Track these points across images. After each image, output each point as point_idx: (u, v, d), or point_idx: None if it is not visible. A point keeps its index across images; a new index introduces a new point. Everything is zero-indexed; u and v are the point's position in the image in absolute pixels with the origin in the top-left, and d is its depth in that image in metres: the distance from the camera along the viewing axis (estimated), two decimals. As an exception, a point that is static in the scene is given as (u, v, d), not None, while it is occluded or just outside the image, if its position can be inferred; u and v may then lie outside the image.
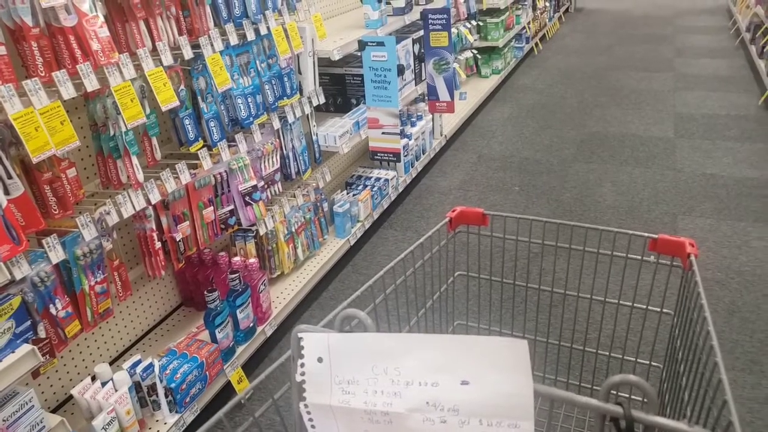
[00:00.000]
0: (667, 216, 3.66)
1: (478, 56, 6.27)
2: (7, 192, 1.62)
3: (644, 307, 1.64)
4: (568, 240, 1.64)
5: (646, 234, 1.52)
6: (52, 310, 1.81)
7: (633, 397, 1.77)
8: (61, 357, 2.22)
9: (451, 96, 4.04)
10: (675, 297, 1.56)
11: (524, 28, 7.19)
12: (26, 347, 1.60)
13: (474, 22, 5.95)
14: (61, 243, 1.77)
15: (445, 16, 3.81)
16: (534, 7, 7.71)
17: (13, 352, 1.58)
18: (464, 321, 1.83)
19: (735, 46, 7.42)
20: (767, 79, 5.46)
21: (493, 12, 6.31)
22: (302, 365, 0.91)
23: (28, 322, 1.65)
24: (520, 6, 6.97)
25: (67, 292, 1.87)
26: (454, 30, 5.35)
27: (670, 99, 5.76)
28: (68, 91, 1.73)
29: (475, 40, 5.95)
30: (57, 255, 1.75)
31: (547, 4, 8.46)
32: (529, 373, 0.83)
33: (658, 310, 1.64)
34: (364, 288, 1.27)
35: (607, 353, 1.78)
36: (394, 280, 1.40)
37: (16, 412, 1.61)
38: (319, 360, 0.90)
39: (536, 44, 7.96)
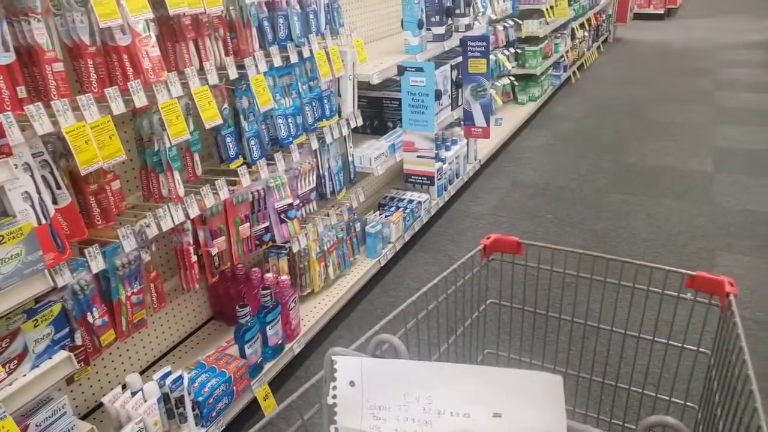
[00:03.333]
0: (704, 252, 3.58)
1: (515, 83, 6.28)
2: (55, 202, 1.68)
3: (680, 345, 1.60)
4: (603, 272, 1.62)
5: (683, 271, 1.49)
6: (90, 318, 1.85)
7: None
8: (94, 365, 2.26)
9: (487, 122, 4.05)
10: (712, 336, 1.53)
11: (562, 56, 7.18)
12: (63, 354, 1.65)
13: (512, 50, 5.97)
14: (102, 253, 1.82)
15: (485, 43, 3.83)
16: (573, 36, 7.71)
17: (50, 358, 1.63)
18: (494, 350, 1.81)
19: (779, 81, 7.28)
20: (812, 116, 5.34)
21: (532, 40, 6.32)
22: (334, 388, 0.91)
23: (67, 329, 1.69)
24: (558, 35, 6.97)
25: (104, 301, 1.92)
26: (492, 57, 5.37)
27: (709, 132, 5.66)
28: (118, 107, 1.79)
29: (512, 67, 5.96)
30: (98, 264, 1.80)
31: (586, 33, 8.44)
32: (562, 410, 0.83)
33: (695, 348, 1.60)
34: (396, 312, 1.28)
35: (640, 390, 1.74)
36: (426, 305, 1.41)
37: (49, 417, 1.65)
38: (352, 384, 0.91)
39: (574, 73, 7.94)
